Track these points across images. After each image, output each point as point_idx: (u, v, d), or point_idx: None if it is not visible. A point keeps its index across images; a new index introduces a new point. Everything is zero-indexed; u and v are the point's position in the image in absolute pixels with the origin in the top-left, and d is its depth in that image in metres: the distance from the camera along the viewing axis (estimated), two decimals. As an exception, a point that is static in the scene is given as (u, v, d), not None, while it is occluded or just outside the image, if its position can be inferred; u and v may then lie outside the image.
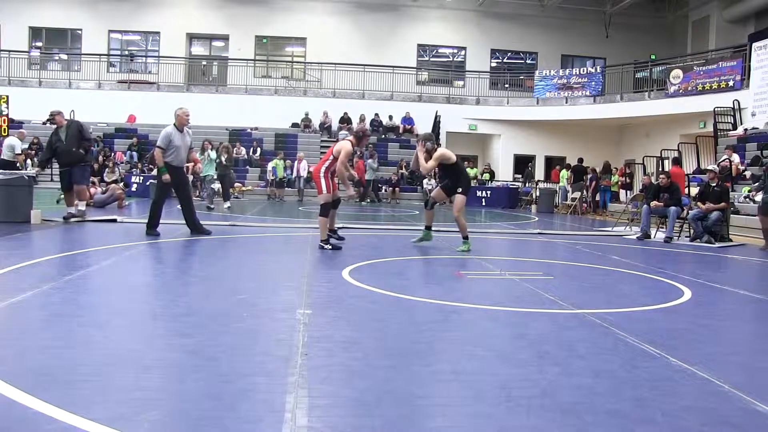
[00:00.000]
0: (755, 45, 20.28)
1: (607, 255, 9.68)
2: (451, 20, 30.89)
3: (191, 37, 30.87)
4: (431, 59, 31.73)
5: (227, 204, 16.62)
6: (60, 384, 3.03)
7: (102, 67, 28.06)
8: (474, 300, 5.56)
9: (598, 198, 22.29)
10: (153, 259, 7.92)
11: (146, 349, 3.78)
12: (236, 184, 23.58)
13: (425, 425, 2.81)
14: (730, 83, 21.09)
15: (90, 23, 29.36)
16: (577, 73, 27.16)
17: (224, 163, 16.90)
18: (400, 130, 27.82)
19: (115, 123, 26.59)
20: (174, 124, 9.71)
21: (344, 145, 8.79)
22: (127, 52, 30.78)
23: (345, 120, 27.10)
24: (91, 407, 2.74)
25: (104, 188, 16.48)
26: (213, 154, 16.81)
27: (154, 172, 13.46)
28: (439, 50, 31.80)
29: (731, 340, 4.78)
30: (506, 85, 30.07)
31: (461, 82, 30.49)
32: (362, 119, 27.22)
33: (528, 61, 31.66)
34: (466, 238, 9.16)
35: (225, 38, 30.58)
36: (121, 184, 14.31)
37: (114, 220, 11.62)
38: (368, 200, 23.98)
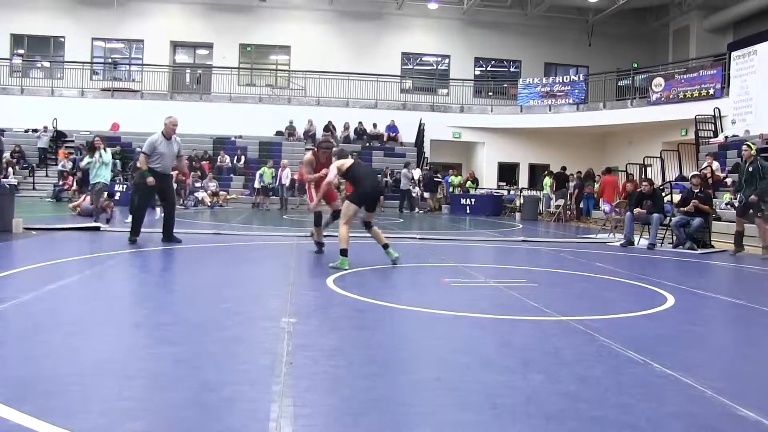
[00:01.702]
0: (734, 54, 20.56)
1: (590, 262, 9.72)
2: (435, 29, 31.00)
3: (175, 45, 30.76)
4: (415, 67, 31.81)
5: (128, 218, 12.51)
6: (41, 395, 2.99)
7: (85, 75, 27.89)
8: (458, 308, 5.55)
9: (581, 205, 22.37)
10: (136, 268, 7.87)
11: (129, 359, 3.74)
12: (221, 193, 23.51)
13: (410, 433, 2.81)
14: (711, 91, 21.34)
15: (73, 31, 29.16)
16: (561, 81, 27.36)
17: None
18: (385, 138, 27.85)
19: (98, 131, 26.35)
20: (162, 132, 9.80)
21: (306, 156, 9.28)
22: (110, 60, 30.62)
23: (329, 128, 27.10)
24: (72, 418, 2.71)
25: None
26: (107, 156, 13.10)
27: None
28: (423, 58, 31.90)
29: (714, 346, 4.82)
30: (490, 93, 30.20)
31: (445, 90, 30.59)
32: (346, 127, 27.25)
33: (511, 69, 31.82)
34: (342, 252, 7.72)
35: (209, 46, 30.51)
36: (105, 194, 13.85)
37: (97, 229, 11.52)
38: (406, 210, 24.09)
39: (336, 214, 9.20)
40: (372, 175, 8.56)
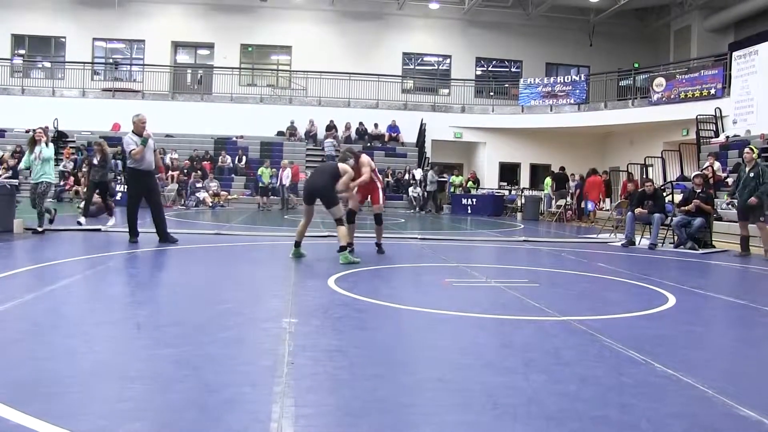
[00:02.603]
0: (735, 54, 20.54)
1: (592, 262, 9.72)
2: (437, 29, 31.01)
3: (176, 45, 30.78)
4: (416, 67, 31.81)
5: (82, 219, 12.13)
6: (41, 396, 2.99)
7: (86, 75, 27.91)
8: (460, 308, 5.55)
9: (583, 205, 22.33)
10: (136, 269, 7.87)
11: (130, 360, 3.74)
12: (222, 193, 23.49)
13: (411, 434, 2.81)
14: (712, 91, 21.31)
15: (74, 31, 29.21)
16: (562, 81, 27.34)
17: (97, 165, 12.29)
18: (386, 138, 27.86)
19: (99, 131, 26.34)
20: (132, 131, 9.80)
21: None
22: (111, 60, 30.64)
23: (331, 128, 27.10)
24: (72, 419, 2.71)
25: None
26: (48, 151, 10.97)
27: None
28: (425, 58, 31.90)
29: (715, 346, 4.81)
30: (491, 93, 30.21)
31: (446, 90, 30.59)
32: (348, 127, 27.25)
33: (513, 69, 31.82)
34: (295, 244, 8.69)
35: (210, 46, 30.52)
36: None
37: (98, 230, 11.51)
38: (428, 210, 24.32)
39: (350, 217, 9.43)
40: (317, 174, 8.82)
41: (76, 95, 27.30)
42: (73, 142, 25.83)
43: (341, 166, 8.70)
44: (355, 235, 9.42)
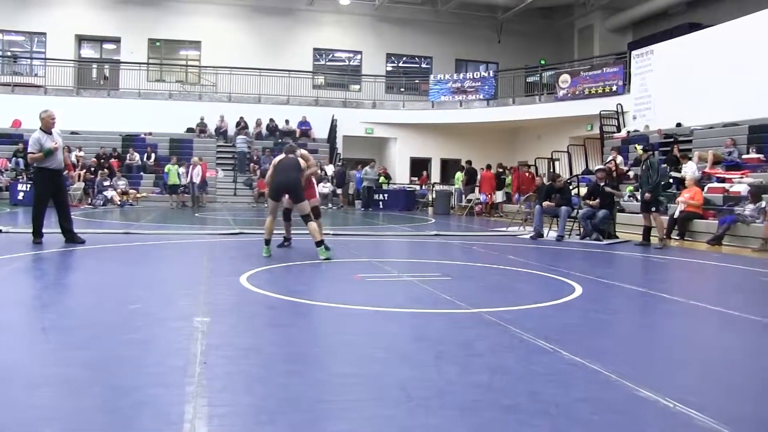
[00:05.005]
0: (634, 53, 21.55)
1: (502, 254, 9.96)
2: (347, 25, 30.99)
3: (80, 39, 29.55)
4: (327, 63, 31.73)
5: None
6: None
7: (-20, 69, 26.38)
8: (372, 302, 5.60)
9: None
10: (40, 271, 7.55)
11: (35, 365, 3.59)
12: (130, 191, 22.74)
13: (327, 429, 2.82)
14: (614, 88, 22.22)
15: (-36, 21, 27.52)
16: (471, 77, 27.81)
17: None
18: (297, 134, 27.62)
19: (-3, 128, 25.05)
20: (41, 128, 9.40)
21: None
22: (9, 53, 29.12)
23: (241, 125, 26.71)
24: (-27, 429, 2.59)
25: None
26: None
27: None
28: (335, 54, 31.86)
29: (617, 333, 5.03)
30: (402, 89, 30.45)
31: (357, 86, 30.62)
32: (258, 124, 26.93)
33: (423, 66, 32.18)
34: (266, 242, 8.61)
35: (117, 41, 29.47)
36: None
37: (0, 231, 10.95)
38: (340, 206, 24.22)
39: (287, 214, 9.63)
40: (284, 170, 8.71)
41: (-30, 89, 25.77)
42: (-33, 139, 24.39)
43: (300, 156, 9.01)
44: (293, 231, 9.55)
